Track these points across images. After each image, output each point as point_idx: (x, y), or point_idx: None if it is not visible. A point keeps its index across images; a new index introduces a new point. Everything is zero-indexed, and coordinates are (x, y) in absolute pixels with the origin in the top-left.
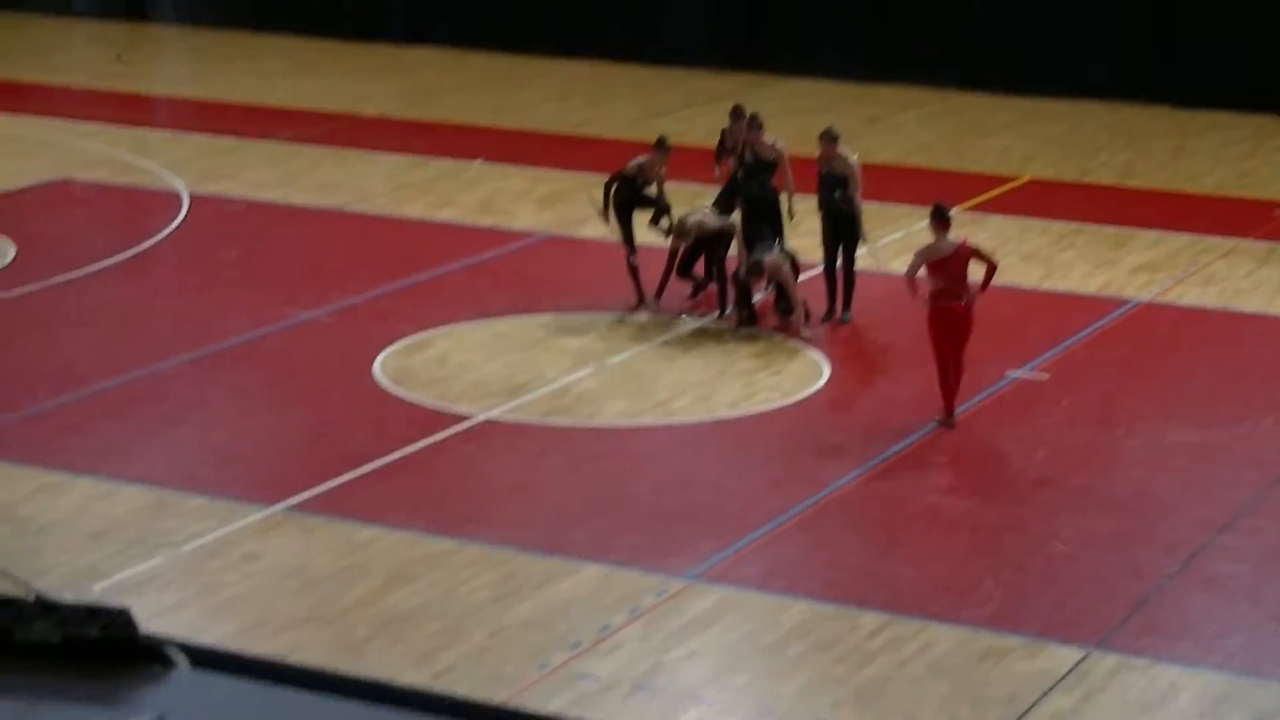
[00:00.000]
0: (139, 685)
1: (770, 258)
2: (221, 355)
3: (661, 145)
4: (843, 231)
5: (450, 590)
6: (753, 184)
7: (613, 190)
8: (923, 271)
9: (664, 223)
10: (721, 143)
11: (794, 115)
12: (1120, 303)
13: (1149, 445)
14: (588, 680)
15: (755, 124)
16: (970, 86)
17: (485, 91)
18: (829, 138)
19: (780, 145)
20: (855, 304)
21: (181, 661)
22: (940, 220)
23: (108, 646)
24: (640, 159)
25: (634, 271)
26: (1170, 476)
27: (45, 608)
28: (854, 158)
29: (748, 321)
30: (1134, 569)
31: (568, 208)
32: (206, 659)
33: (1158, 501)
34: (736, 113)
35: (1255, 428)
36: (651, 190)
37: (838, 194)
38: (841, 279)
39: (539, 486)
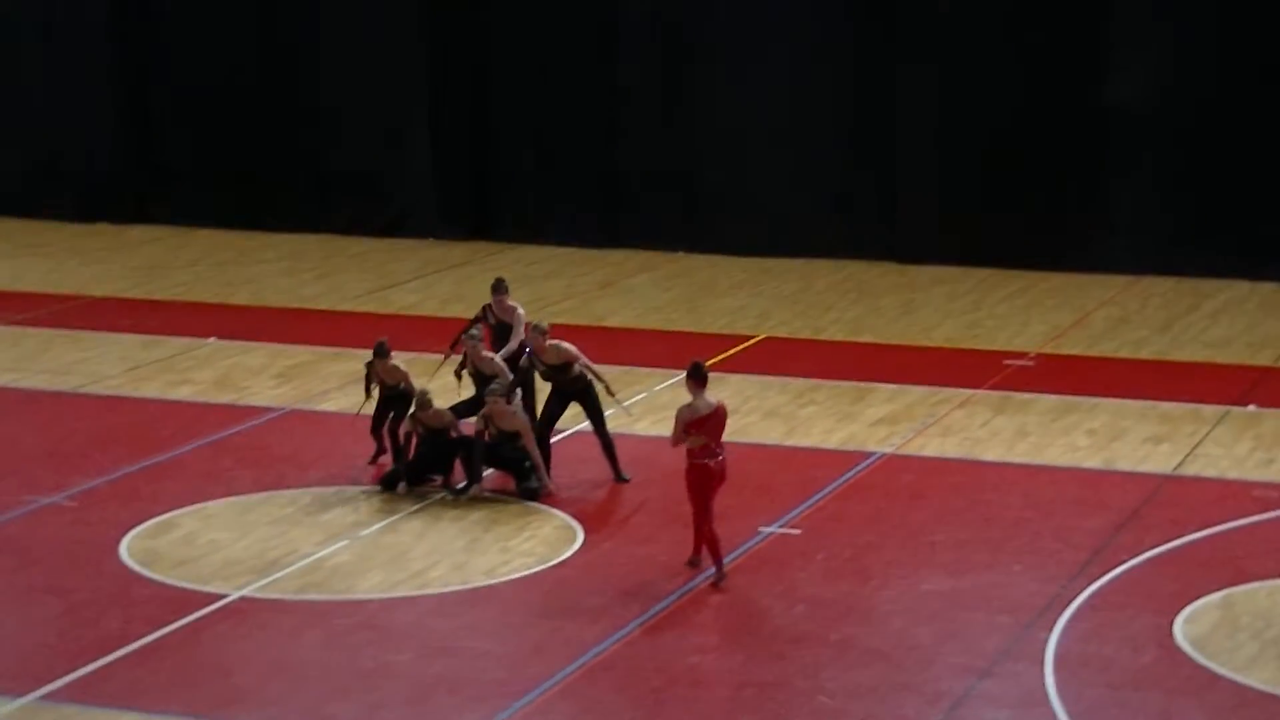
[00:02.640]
0: None
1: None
2: None
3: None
4: (579, 401)
5: None
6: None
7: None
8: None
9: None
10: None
11: (526, 281)
12: (864, 455)
13: (904, 595)
14: None
15: (501, 288)
16: (699, 248)
17: (213, 268)
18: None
19: (519, 310)
20: (600, 465)
21: None
22: (697, 379)
23: None
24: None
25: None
26: (928, 625)
27: None
28: (520, 309)
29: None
30: None
31: (307, 382)
32: None
33: (917, 650)
34: (498, 286)
35: (1005, 574)
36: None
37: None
38: (600, 444)
39: (300, 663)
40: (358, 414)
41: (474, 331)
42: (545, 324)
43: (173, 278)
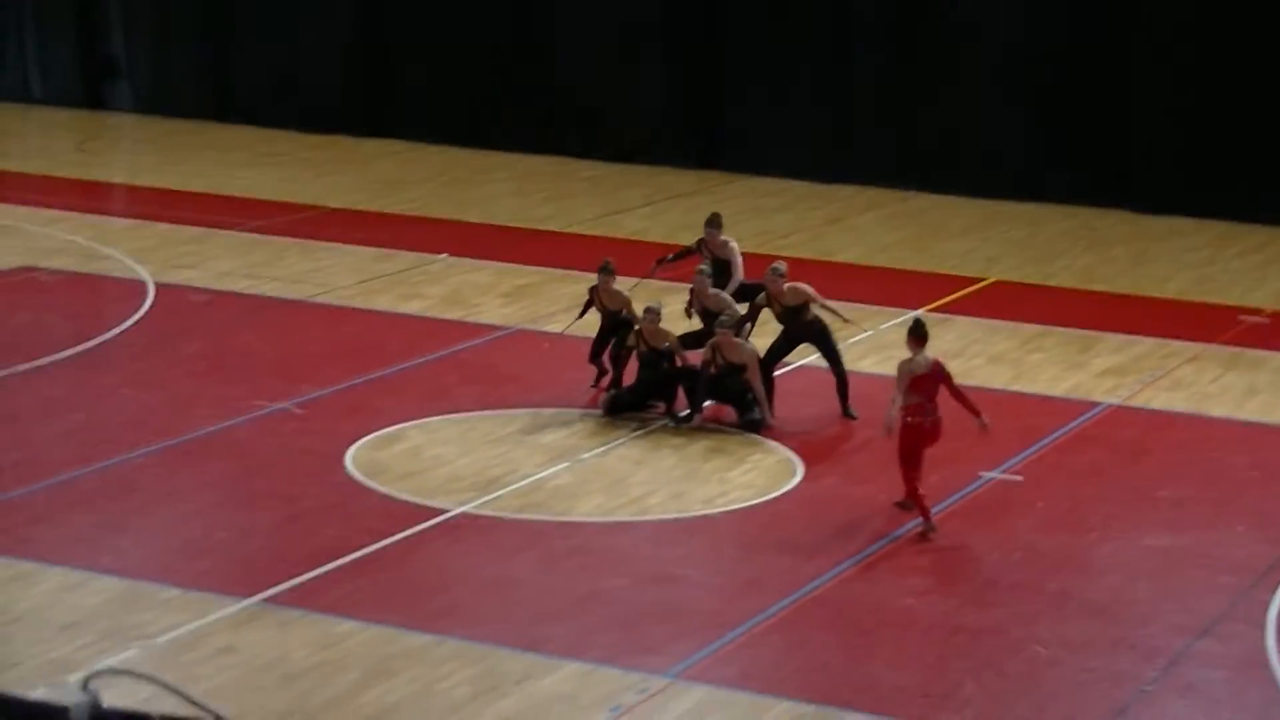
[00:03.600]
0: None
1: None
2: (189, 447)
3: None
4: (813, 342)
5: (429, 686)
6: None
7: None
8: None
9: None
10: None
11: (754, 214)
12: (1090, 405)
13: (1123, 549)
14: None
15: (715, 223)
16: (929, 189)
17: (446, 185)
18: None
19: (732, 244)
20: (824, 401)
21: None
22: (917, 336)
23: None
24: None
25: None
26: (1146, 581)
27: None
28: (734, 243)
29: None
30: (1113, 675)
31: (534, 302)
32: None
33: (1134, 607)
34: (713, 221)
35: (1228, 533)
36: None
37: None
38: (836, 381)
39: (515, 582)
40: (563, 333)
41: (702, 267)
42: (783, 266)
43: (406, 193)
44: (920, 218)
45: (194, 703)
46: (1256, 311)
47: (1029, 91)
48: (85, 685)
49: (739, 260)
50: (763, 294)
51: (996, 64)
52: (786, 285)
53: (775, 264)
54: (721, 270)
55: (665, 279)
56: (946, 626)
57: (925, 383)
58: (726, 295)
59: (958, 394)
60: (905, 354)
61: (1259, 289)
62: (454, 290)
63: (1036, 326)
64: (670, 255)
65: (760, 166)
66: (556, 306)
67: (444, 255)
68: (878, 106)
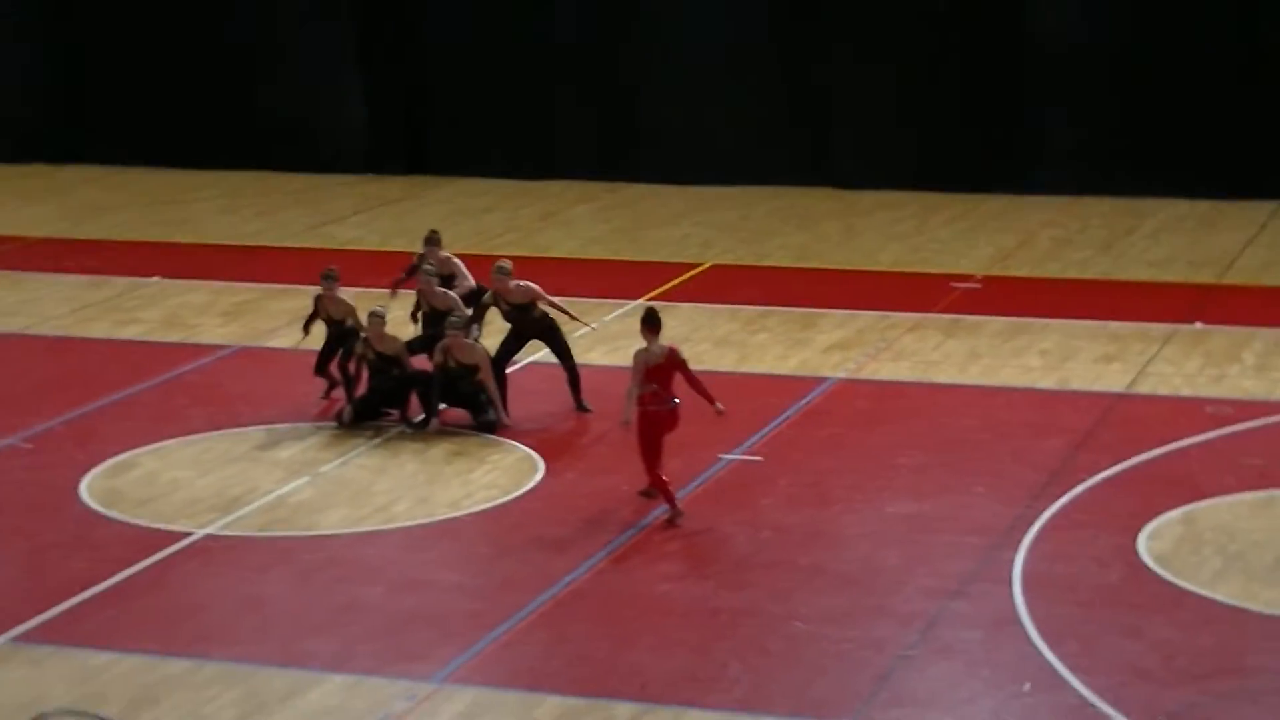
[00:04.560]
0: None
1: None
2: None
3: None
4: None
5: (194, 711)
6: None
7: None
8: None
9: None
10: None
11: (465, 215)
12: (818, 381)
13: (869, 519)
14: None
15: (434, 240)
16: (637, 179)
17: (151, 207)
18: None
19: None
20: (557, 397)
21: None
22: (651, 325)
23: None
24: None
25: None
26: (895, 549)
27: None
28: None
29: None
30: (873, 643)
31: (255, 318)
32: None
33: (886, 574)
34: (431, 239)
35: (967, 496)
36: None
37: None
38: (567, 376)
39: (270, 599)
40: (295, 349)
41: (427, 267)
42: (508, 264)
43: (111, 217)
44: (631, 207)
45: None
46: (968, 278)
47: (727, 75)
48: None
49: (466, 273)
50: (490, 293)
51: (698, 48)
52: (513, 283)
53: (500, 262)
54: (447, 285)
55: (383, 286)
56: (705, 609)
57: (661, 371)
58: (454, 295)
59: (693, 380)
60: (632, 344)
61: (967, 256)
62: (171, 312)
63: (757, 308)
64: (402, 275)
65: (466, 167)
66: (277, 322)
67: (156, 278)
68: (578, 98)
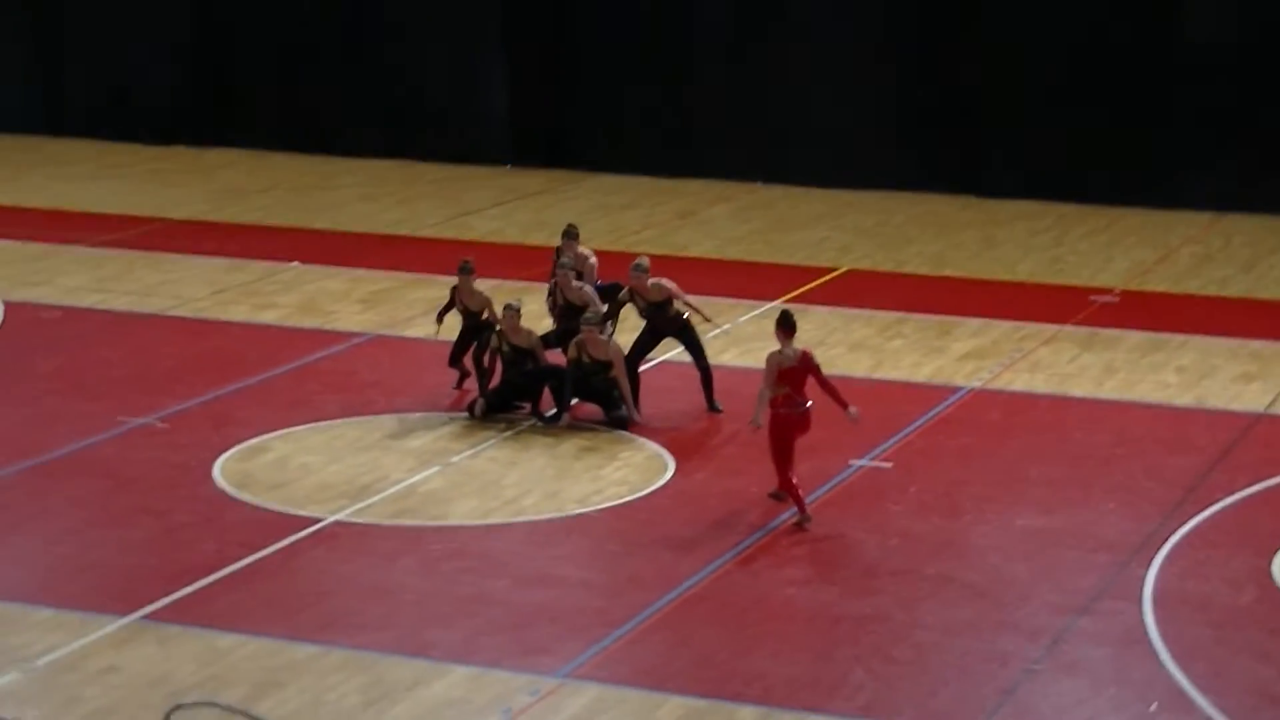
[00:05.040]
0: None
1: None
2: (54, 466)
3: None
4: (677, 337)
5: (319, 697)
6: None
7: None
8: None
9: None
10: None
11: (604, 211)
12: (952, 390)
13: (998, 531)
14: None
15: (572, 234)
16: (776, 180)
17: (292, 193)
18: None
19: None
20: (689, 396)
21: None
22: (785, 328)
23: None
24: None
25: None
26: (1023, 562)
27: None
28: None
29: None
30: (999, 656)
31: (391, 307)
32: None
33: (1014, 587)
34: (569, 233)
35: (1098, 511)
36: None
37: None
38: (700, 375)
39: (397, 588)
40: (431, 338)
41: (564, 260)
42: (645, 261)
43: (251, 201)
44: (770, 209)
45: None
46: (1107, 291)
47: (871, 80)
48: (167, 718)
49: (594, 273)
50: (626, 290)
51: (835, 52)
52: (650, 281)
53: (638, 260)
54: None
55: (522, 279)
56: (829, 615)
57: (794, 374)
58: (590, 290)
59: (826, 384)
60: (765, 346)
61: (1106, 269)
62: (308, 298)
63: (893, 314)
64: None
65: (607, 164)
66: (413, 311)
67: (295, 263)
68: (721, 99)
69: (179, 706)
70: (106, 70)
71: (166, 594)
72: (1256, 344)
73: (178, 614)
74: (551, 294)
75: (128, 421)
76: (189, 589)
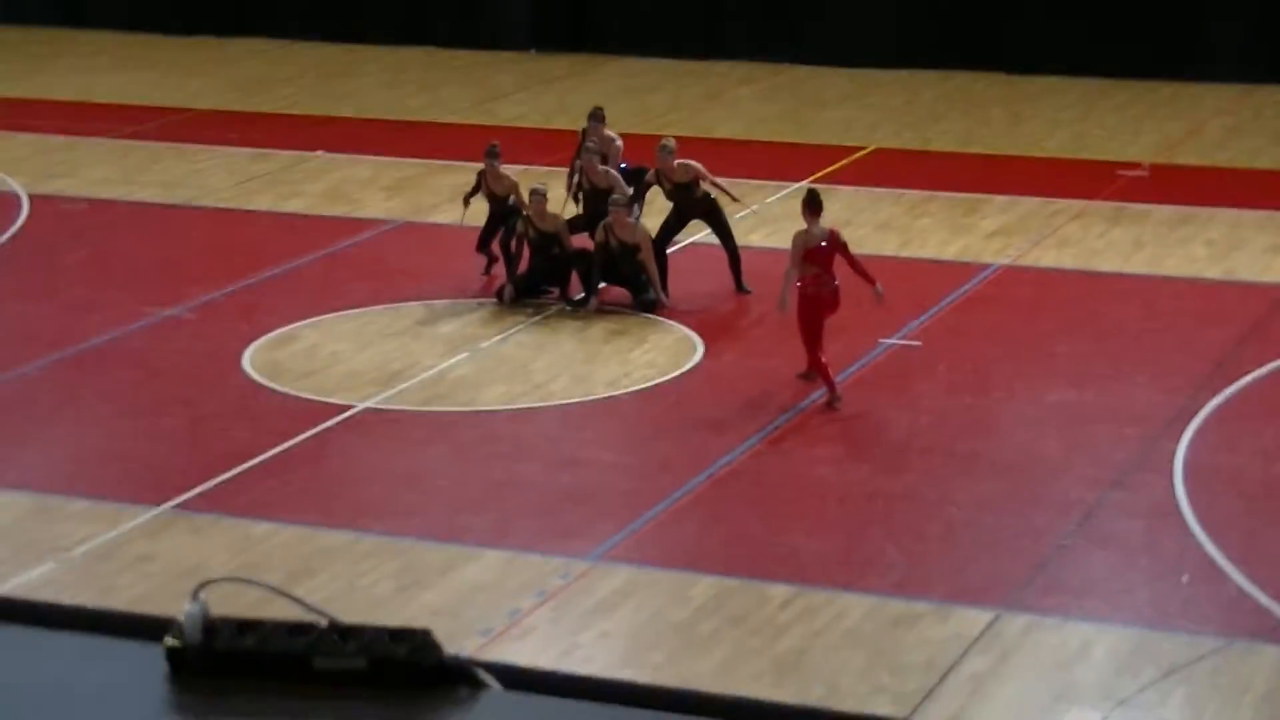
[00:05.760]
0: (450, 710)
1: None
2: (85, 356)
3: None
4: (704, 218)
5: (352, 583)
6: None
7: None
8: None
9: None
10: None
11: (629, 94)
12: (981, 268)
13: (1029, 407)
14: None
15: (598, 117)
16: (802, 60)
17: (316, 81)
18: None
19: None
20: (717, 278)
21: (493, 683)
22: (812, 207)
23: (414, 670)
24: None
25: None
26: (1054, 437)
27: (345, 632)
28: (619, 140)
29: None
30: (1031, 531)
31: (417, 193)
32: (518, 680)
33: (1045, 462)
34: (595, 115)
35: (1130, 385)
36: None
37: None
38: (727, 257)
39: (428, 474)
40: (460, 224)
41: (590, 145)
42: (671, 142)
43: (275, 91)
44: (796, 89)
45: (307, 606)
46: (1135, 165)
47: None
48: (195, 594)
49: (619, 157)
50: (652, 171)
51: None
52: (676, 162)
53: (664, 141)
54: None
55: (546, 164)
56: (861, 493)
57: (822, 253)
58: (615, 173)
59: (854, 263)
60: (793, 227)
61: (1135, 143)
62: (334, 187)
63: (920, 192)
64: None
65: (630, 46)
66: (439, 198)
67: (320, 152)
68: None
69: (207, 582)
70: None
71: (199, 483)
72: None
73: (210, 503)
74: (573, 174)
75: (156, 312)
76: (221, 478)
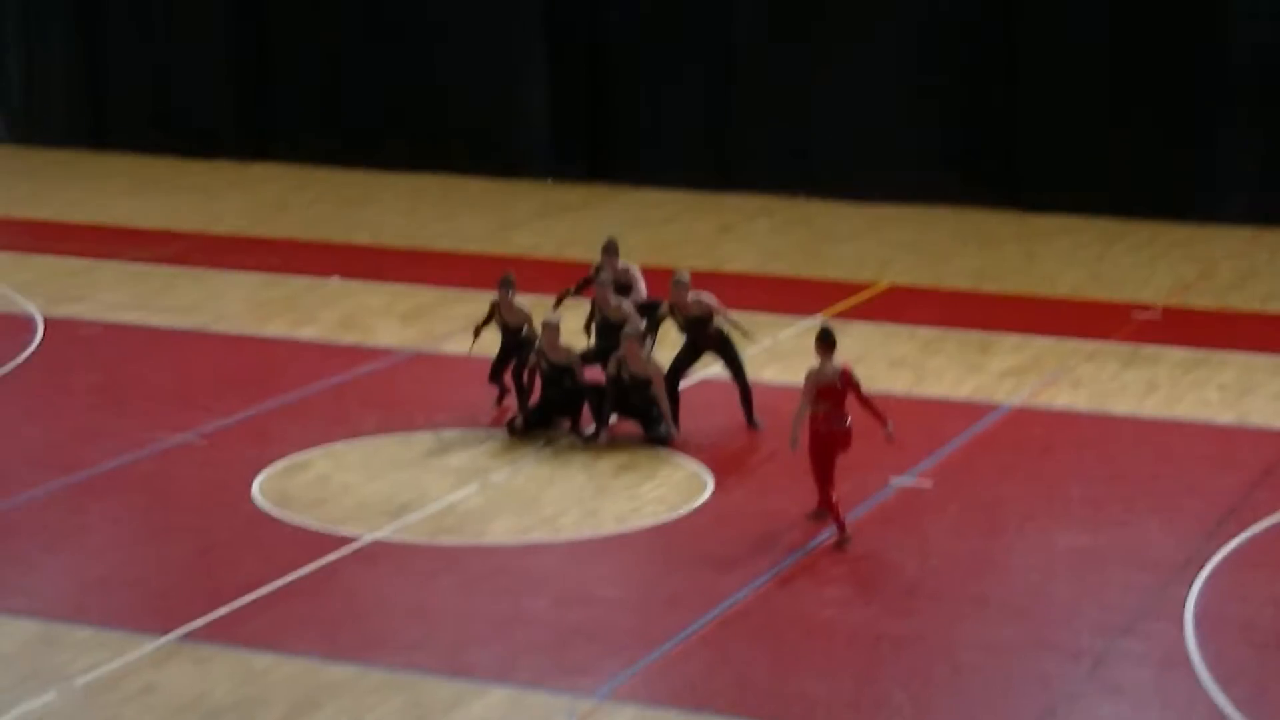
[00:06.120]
0: None
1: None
2: (95, 481)
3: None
4: (717, 351)
5: (357, 718)
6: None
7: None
8: None
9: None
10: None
11: (643, 225)
12: (993, 407)
13: (1039, 550)
14: None
15: (612, 250)
16: (817, 194)
17: (333, 206)
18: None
19: (634, 270)
20: (728, 413)
21: None
22: (825, 344)
23: None
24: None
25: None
26: (1064, 581)
27: None
28: (635, 269)
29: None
30: (1040, 677)
31: (430, 323)
32: None
33: (1055, 607)
34: (609, 248)
35: (1141, 530)
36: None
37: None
38: (739, 392)
39: (436, 607)
40: (470, 354)
41: (603, 276)
42: (686, 276)
43: (293, 216)
44: (810, 224)
45: None
46: (1149, 307)
47: (913, 94)
48: None
49: (642, 285)
50: (665, 304)
51: (878, 67)
52: (691, 295)
53: (679, 274)
54: (623, 294)
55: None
56: (869, 636)
57: (834, 390)
58: (629, 306)
59: (866, 401)
60: (805, 362)
61: (1149, 284)
62: (348, 314)
63: (934, 329)
64: (573, 288)
65: (647, 177)
66: (453, 326)
67: (335, 278)
68: (761, 112)
69: None
70: (149, 83)
71: (205, 613)
72: None
73: (216, 633)
74: (564, 297)
75: (167, 438)
76: (227, 608)
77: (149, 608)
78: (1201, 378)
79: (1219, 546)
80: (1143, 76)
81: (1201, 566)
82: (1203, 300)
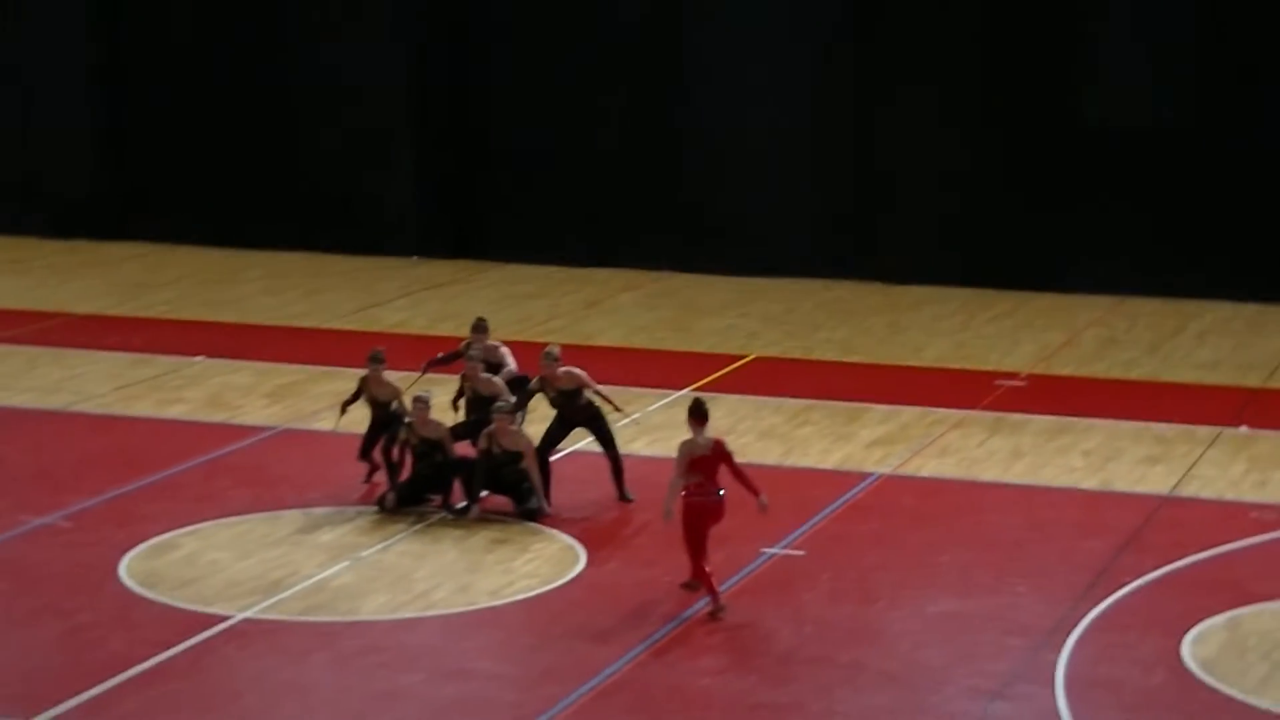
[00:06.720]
0: None
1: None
2: None
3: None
4: (587, 426)
5: None
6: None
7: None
8: None
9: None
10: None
11: (511, 301)
12: (862, 476)
13: (911, 616)
14: None
15: (481, 328)
16: (682, 268)
17: (197, 286)
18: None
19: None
20: (600, 486)
21: None
22: (698, 416)
23: None
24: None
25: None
26: (937, 647)
27: None
28: (504, 348)
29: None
30: None
31: (298, 400)
32: None
33: (929, 672)
34: (478, 326)
35: (1011, 595)
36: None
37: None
38: (610, 465)
39: (310, 685)
40: (336, 431)
41: (473, 352)
42: (556, 350)
43: (156, 295)
44: (676, 297)
45: None
46: (1013, 375)
47: (772, 166)
48: None
49: (511, 361)
50: (536, 379)
51: (747, 138)
52: (561, 369)
53: (549, 348)
54: (493, 372)
55: (433, 372)
56: (745, 705)
57: (707, 462)
58: (500, 381)
59: (738, 473)
60: (675, 435)
61: (1013, 353)
62: (215, 393)
63: (802, 401)
64: (440, 355)
65: (514, 253)
66: (321, 404)
67: (200, 357)
68: (625, 188)
69: None
70: (5, 164)
71: (73, 695)
72: (1160, 427)
73: (86, 715)
74: (429, 367)
75: (30, 520)
76: (96, 690)
77: (15, 692)
78: (1066, 444)
79: (1088, 610)
80: (1004, 147)
81: (1071, 630)
82: (1066, 368)
